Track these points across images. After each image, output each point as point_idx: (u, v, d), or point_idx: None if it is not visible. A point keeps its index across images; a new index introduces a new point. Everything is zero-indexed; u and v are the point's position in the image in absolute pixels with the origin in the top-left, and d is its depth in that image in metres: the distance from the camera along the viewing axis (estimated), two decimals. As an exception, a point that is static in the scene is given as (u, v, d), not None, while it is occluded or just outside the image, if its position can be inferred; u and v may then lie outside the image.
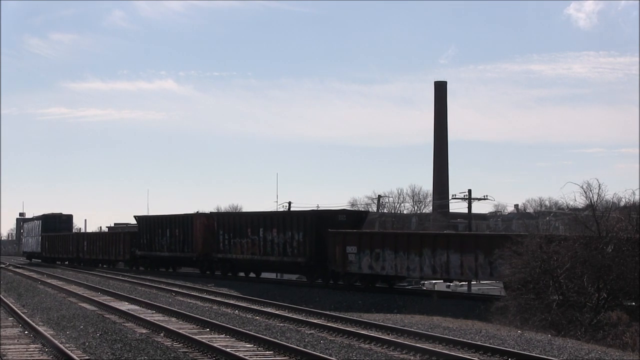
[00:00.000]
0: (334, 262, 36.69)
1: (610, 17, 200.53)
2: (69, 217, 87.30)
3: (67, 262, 72.92)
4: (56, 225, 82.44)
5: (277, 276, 50.25)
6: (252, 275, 46.74)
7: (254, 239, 42.78)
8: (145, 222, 56.52)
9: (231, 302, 30.52)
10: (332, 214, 42.14)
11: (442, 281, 36.84)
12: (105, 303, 29.11)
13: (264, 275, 47.77)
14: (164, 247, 53.18)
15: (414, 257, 32.76)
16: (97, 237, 69.45)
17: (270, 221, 41.86)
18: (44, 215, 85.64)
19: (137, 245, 57.49)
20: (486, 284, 40.15)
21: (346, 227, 37.99)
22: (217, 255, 46.31)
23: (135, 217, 59.63)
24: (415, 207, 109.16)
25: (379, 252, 34.38)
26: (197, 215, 50.97)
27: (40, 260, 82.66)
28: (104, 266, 65.68)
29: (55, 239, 78.35)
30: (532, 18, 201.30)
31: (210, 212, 50.62)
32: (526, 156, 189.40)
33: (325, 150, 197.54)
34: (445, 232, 32.47)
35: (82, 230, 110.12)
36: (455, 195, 69.11)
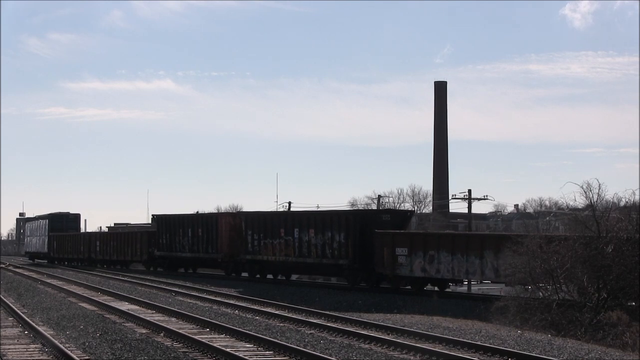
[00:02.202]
0: (382, 264, 34.75)
1: (606, 18, 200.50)
2: (77, 216, 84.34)
3: (84, 264, 69.66)
4: (63, 225, 79.70)
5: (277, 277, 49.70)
6: (281, 277, 44.81)
7: (287, 239, 40.67)
8: (165, 222, 54.19)
9: (231, 302, 30.53)
10: (376, 213, 40.87)
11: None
12: (105, 303, 29.10)
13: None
14: (186, 248, 51.06)
15: (473, 260, 30.86)
16: (110, 237, 66.45)
17: (307, 221, 39.91)
18: (50, 214, 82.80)
19: (155, 246, 55.15)
20: (487, 283, 40.08)
21: (390, 227, 36.09)
22: (245, 257, 44.22)
23: (153, 215, 57.36)
24: (415, 207, 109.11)
25: (434, 254, 32.44)
26: (223, 214, 48.99)
27: (46, 261, 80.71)
28: (117, 267, 63.36)
29: (64, 239, 75.88)
30: (528, 19, 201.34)
31: (237, 211, 48.19)
32: (526, 156, 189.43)
33: (325, 150, 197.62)
34: (510, 233, 29.62)
35: (82, 230, 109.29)
36: (455, 195, 69.19)
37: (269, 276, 44.83)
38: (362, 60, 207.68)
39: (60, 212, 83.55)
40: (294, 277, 46.62)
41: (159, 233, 54.75)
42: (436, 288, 34.32)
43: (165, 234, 53.57)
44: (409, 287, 34.70)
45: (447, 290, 35.06)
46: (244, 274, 45.80)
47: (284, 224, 41.20)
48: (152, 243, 56.26)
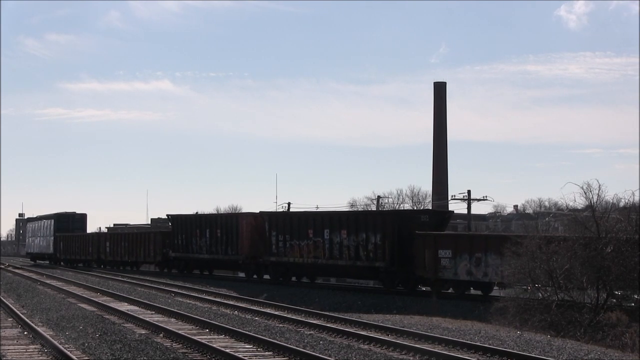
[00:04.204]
0: (423, 267, 33.33)
1: (601, 19, 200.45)
2: (83, 216, 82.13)
3: (93, 265, 68.63)
4: (69, 225, 78.19)
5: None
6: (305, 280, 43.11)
7: (316, 241, 39.15)
8: (181, 222, 52.64)
9: (230, 302, 30.55)
10: (414, 213, 39.31)
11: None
12: (105, 303, 29.10)
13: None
14: (203, 249, 49.42)
15: None
16: (121, 238, 64.38)
17: (339, 222, 38.42)
18: (56, 214, 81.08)
19: (170, 246, 53.53)
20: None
21: (428, 228, 34.81)
22: (269, 259, 42.56)
23: (168, 215, 56.04)
24: (415, 208, 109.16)
25: (481, 256, 30.90)
26: (244, 214, 47.30)
27: (48, 262, 79.73)
28: (128, 268, 61.87)
29: (71, 240, 74.24)
30: (525, 20, 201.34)
31: (260, 212, 46.20)
32: (525, 157, 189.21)
33: (324, 151, 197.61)
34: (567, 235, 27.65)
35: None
36: (454, 195, 69.07)
37: (292, 279, 43.19)
38: (360, 61, 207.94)
39: (66, 212, 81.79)
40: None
41: (174, 233, 53.12)
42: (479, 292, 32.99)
43: (181, 235, 51.94)
44: (452, 290, 33.17)
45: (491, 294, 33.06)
46: (266, 276, 44.44)
47: (313, 224, 39.74)
48: (166, 244, 54.71)
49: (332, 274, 42.27)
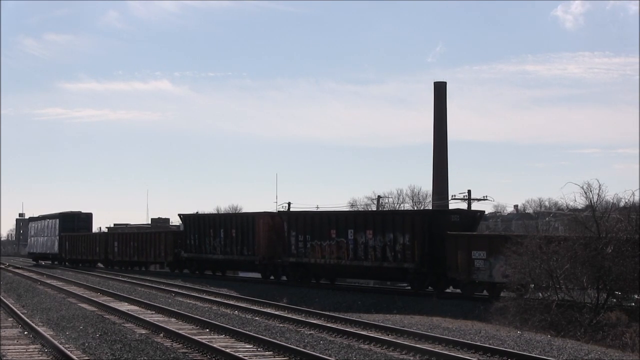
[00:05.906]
0: (455, 269, 32.27)
1: (597, 20, 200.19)
2: (89, 216, 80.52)
3: (101, 265, 67.71)
4: (74, 224, 77.03)
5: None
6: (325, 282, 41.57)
7: (339, 241, 38.12)
8: (194, 221, 51.54)
9: (231, 302, 30.56)
10: (445, 213, 38.67)
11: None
12: (105, 303, 29.11)
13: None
14: (217, 249, 48.26)
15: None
16: (130, 238, 62.69)
17: (364, 221, 37.53)
18: (61, 213, 79.77)
19: (182, 247, 52.36)
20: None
21: (459, 228, 33.77)
22: (288, 259, 41.32)
23: (180, 215, 55.19)
24: (415, 208, 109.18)
25: None
26: (260, 214, 46.08)
27: (51, 262, 79.18)
28: (136, 269, 61.02)
29: (77, 239, 73.02)
30: (522, 20, 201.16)
31: (278, 211, 45.03)
32: (525, 157, 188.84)
33: (324, 151, 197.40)
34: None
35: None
36: (454, 195, 69.05)
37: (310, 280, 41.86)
38: (359, 61, 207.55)
39: (71, 212, 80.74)
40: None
41: (186, 233, 52.11)
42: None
43: (194, 234, 50.87)
44: (486, 293, 32.16)
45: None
46: (283, 278, 43.67)
47: (336, 224, 38.68)
48: (177, 244, 53.81)
49: (356, 275, 41.36)
